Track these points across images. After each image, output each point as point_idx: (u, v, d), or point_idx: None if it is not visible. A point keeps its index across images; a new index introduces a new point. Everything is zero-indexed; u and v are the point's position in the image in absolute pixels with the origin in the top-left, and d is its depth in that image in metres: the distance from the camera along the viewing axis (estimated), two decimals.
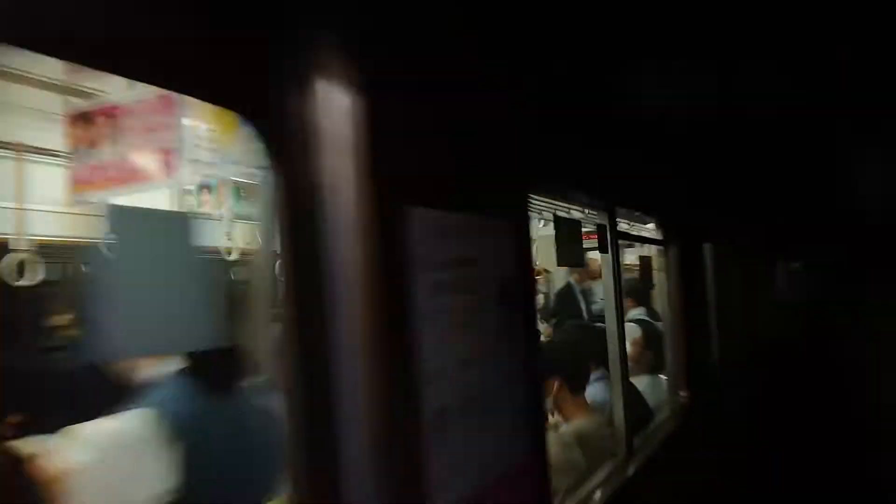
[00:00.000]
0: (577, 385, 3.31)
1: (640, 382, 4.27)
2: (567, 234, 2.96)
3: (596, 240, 3.53)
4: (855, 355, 10.17)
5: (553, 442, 2.88)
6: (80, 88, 2.95)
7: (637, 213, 4.34)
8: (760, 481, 5.81)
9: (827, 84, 8.33)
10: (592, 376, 3.76)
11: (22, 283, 2.48)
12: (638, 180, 4.29)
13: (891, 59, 5.99)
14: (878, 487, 6.11)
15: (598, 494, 2.94)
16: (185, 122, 2.49)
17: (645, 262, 5.02)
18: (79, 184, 2.61)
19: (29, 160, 3.35)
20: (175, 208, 3.33)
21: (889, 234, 7.84)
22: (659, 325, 4.85)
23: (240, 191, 2.62)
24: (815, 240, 13.09)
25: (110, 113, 2.53)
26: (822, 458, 6.36)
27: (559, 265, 3.88)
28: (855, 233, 10.24)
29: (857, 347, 10.41)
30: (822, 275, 15.26)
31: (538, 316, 2.82)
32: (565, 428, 3.19)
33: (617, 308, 3.61)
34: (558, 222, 2.95)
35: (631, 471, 3.32)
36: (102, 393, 2.18)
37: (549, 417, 3.18)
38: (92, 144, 2.57)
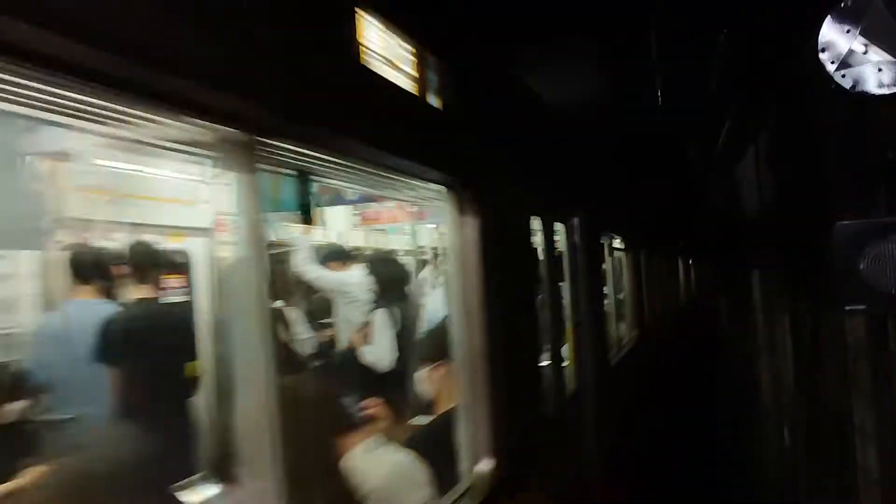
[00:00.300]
0: None
1: None
2: None
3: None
4: (724, 325, 15.76)
5: None
6: None
7: (616, 235, 8.06)
8: (669, 370, 11.21)
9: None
10: None
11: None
12: (618, 217, 8.07)
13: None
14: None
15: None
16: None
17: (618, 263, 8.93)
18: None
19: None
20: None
21: (766, 233, 8.79)
22: (620, 295, 8.57)
23: None
24: (709, 241, 17.20)
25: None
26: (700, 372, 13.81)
27: None
28: (740, 233, 11.60)
29: (729, 319, 15.34)
30: (713, 268, 19.63)
31: None
32: None
33: (615, 288, 7.98)
34: None
35: (619, 355, 7.33)
36: None
37: None
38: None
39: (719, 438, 10.62)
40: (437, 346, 3.03)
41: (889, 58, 2.93)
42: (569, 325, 4.76)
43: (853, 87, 2.95)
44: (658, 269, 11.50)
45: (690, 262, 18.46)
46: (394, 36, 2.25)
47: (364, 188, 2.87)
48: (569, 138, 5.75)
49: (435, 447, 2.71)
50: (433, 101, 2.56)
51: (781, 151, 6.59)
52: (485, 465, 2.80)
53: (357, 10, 1.99)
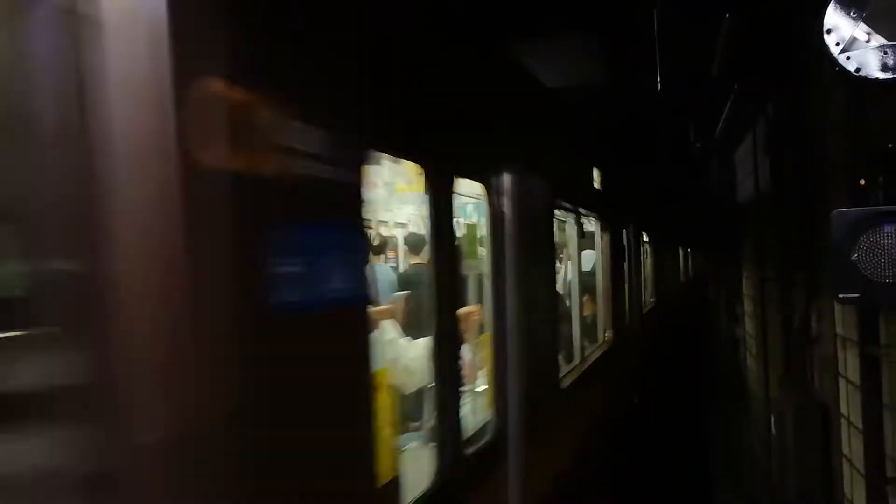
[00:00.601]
0: None
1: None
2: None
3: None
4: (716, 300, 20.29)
5: None
6: None
7: (645, 234, 10.69)
8: (672, 327, 13.93)
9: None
10: None
11: None
12: (646, 221, 10.53)
13: None
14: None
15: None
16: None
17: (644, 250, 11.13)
18: None
19: None
20: None
21: (760, 221, 8.89)
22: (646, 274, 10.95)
23: None
24: (703, 232, 19.03)
25: None
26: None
27: None
28: (733, 221, 11.73)
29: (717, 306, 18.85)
30: (706, 254, 22.96)
31: None
32: None
33: (642, 270, 9.81)
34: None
35: (646, 311, 9.97)
36: None
37: None
38: None
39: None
40: (584, 289, 6.13)
41: (894, 42, 2.86)
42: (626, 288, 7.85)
43: (857, 70, 2.88)
44: (668, 257, 15.14)
45: (688, 251, 22.42)
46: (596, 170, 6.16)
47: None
48: (629, 179, 9.16)
49: (588, 327, 6.06)
50: (601, 190, 6.36)
51: (779, 138, 6.53)
52: (609, 333, 6.46)
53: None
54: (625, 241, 7.72)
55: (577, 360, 5.41)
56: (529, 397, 3.37)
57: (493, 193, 3.18)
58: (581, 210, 5.64)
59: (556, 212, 4.83)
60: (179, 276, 1.43)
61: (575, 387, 4.84)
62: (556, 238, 7.86)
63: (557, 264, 6.24)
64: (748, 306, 10.67)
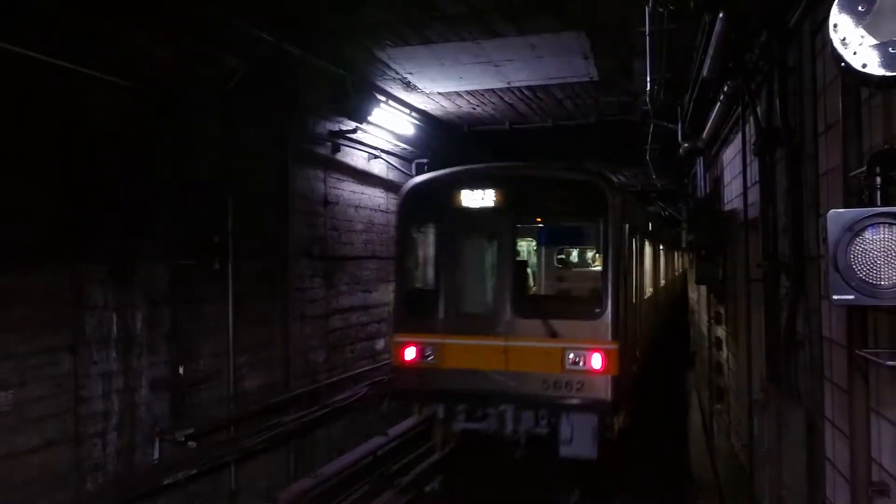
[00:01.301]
0: None
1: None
2: None
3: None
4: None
5: None
6: None
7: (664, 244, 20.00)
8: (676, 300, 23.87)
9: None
10: None
11: None
12: (661, 235, 18.71)
13: None
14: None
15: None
16: None
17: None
18: None
19: None
20: None
21: (747, 220, 8.91)
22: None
23: None
24: (692, 231, 20.45)
25: None
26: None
27: None
28: (717, 225, 11.89)
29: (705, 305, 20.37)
30: (692, 254, 23.94)
31: None
32: None
33: (660, 265, 18.30)
34: None
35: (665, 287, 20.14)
36: None
37: None
38: None
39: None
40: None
41: None
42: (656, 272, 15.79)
43: (864, 65, 2.81)
44: (669, 257, 21.49)
45: (680, 251, 27.41)
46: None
47: None
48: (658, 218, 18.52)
49: (645, 286, 13.76)
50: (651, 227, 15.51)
51: (770, 138, 6.47)
52: (651, 289, 14.70)
53: None
54: (655, 249, 13.95)
55: (646, 294, 12.23)
56: (644, 295, 12.40)
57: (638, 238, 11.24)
58: (647, 238, 12.45)
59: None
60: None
61: (648, 298, 12.37)
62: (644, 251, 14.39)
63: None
64: (731, 307, 10.68)
